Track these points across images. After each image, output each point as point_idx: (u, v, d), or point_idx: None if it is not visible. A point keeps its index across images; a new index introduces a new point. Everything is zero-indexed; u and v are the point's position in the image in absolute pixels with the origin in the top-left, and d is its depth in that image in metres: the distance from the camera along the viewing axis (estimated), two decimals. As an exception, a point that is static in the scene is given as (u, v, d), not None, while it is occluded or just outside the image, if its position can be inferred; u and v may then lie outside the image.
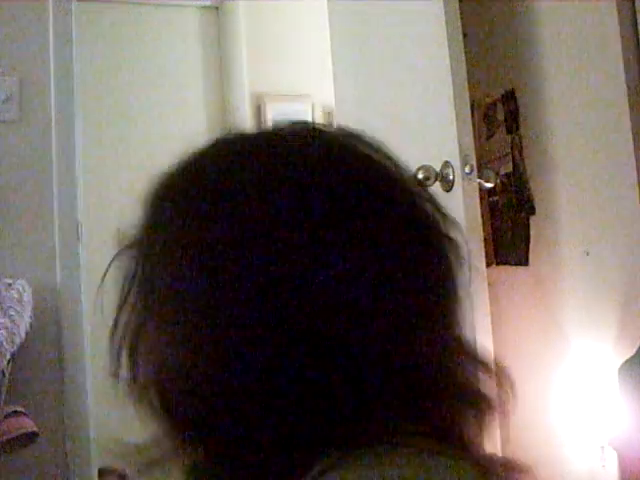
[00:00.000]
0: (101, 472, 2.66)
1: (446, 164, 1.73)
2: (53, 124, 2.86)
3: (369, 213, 0.53)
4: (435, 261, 0.58)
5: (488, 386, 0.58)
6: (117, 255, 0.59)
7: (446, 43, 1.72)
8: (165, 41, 3.27)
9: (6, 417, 2.15)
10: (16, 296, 2.33)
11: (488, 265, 1.80)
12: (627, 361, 1.34)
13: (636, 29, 1.51)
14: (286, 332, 0.49)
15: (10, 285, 2.42)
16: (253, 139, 0.59)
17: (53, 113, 2.86)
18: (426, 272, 0.56)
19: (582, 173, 1.67)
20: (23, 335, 2.22)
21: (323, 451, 0.48)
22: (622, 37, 1.50)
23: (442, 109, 1.75)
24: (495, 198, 2.04)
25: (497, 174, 1.98)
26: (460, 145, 1.70)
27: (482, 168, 1.92)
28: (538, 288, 1.86)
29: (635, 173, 1.48)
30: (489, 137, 2.07)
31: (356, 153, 0.59)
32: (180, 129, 3.24)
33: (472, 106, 1.83)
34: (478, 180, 1.74)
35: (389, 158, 0.62)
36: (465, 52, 1.74)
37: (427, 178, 1.77)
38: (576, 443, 1.70)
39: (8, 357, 2.16)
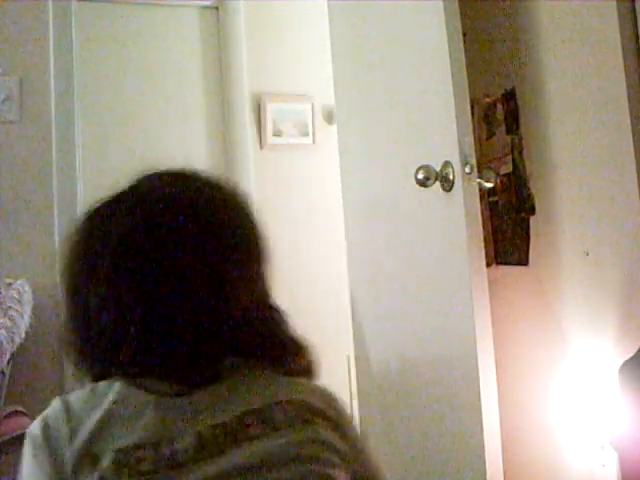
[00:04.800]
0: None
1: (446, 164, 1.73)
2: (53, 124, 2.85)
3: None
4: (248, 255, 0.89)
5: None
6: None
7: (446, 43, 1.71)
8: (165, 41, 3.27)
9: (6, 417, 2.15)
10: (16, 296, 2.33)
11: (488, 265, 1.80)
12: (627, 361, 1.34)
13: (636, 29, 1.51)
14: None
15: (10, 285, 2.42)
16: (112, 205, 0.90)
17: (53, 113, 2.86)
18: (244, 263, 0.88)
19: (582, 173, 1.67)
20: (23, 335, 2.22)
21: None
22: (622, 37, 1.50)
23: (442, 109, 1.75)
24: (495, 198, 2.04)
25: (497, 174, 1.98)
26: (460, 145, 1.70)
27: (482, 168, 1.92)
28: (538, 288, 1.86)
29: (635, 173, 1.48)
30: (489, 137, 2.07)
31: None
32: (180, 129, 3.24)
33: (472, 106, 1.83)
34: (478, 180, 1.74)
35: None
36: (465, 52, 1.74)
37: (427, 178, 1.77)
38: (576, 443, 1.70)
39: (8, 357, 2.15)
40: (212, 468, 0.75)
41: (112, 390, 0.80)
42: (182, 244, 0.83)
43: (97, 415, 0.77)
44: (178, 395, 0.81)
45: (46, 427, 0.78)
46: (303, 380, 0.91)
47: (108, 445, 0.75)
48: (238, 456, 0.77)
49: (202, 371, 0.82)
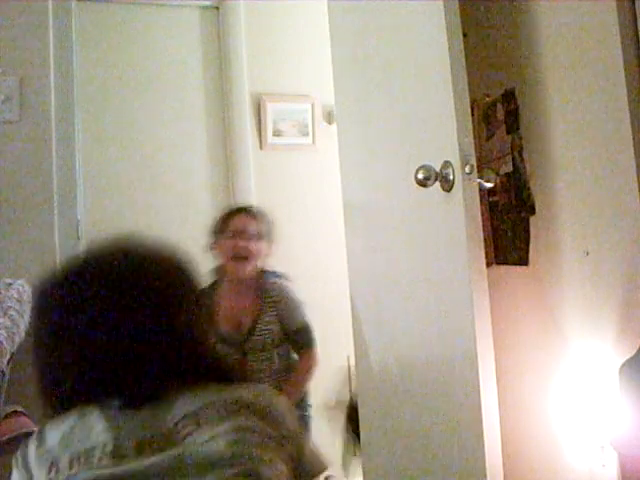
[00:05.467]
0: None
1: (446, 164, 1.73)
2: (53, 124, 2.86)
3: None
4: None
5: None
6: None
7: (446, 43, 1.71)
8: (165, 41, 3.27)
9: (6, 417, 2.15)
10: (16, 296, 2.33)
11: (488, 265, 1.80)
12: (627, 361, 1.34)
13: (636, 29, 1.51)
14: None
15: (10, 285, 2.42)
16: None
17: (53, 113, 2.86)
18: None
19: (582, 173, 1.67)
20: (23, 335, 2.22)
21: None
22: (622, 37, 1.50)
23: (442, 109, 1.75)
24: (495, 198, 2.04)
25: (497, 174, 1.98)
26: (460, 145, 1.70)
27: (482, 168, 1.92)
28: (538, 288, 1.86)
29: (635, 173, 1.48)
30: (489, 137, 2.07)
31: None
32: (180, 129, 3.24)
33: (472, 106, 1.83)
34: (478, 180, 1.74)
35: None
36: (465, 52, 1.74)
37: (427, 178, 1.77)
38: (576, 443, 1.70)
39: (8, 357, 2.15)
40: (152, 460, 0.91)
41: (74, 413, 0.99)
42: (113, 307, 1.00)
43: (60, 431, 0.97)
44: (128, 409, 0.98)
45: (23, 447, 1.00)
46: (237, 384, 1.05)
47: (65, 452, 0.94)
48: (174, 451, 0.92)
49: (146, 391, 0.99)
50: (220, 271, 2.55)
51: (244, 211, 2.55)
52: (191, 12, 3.34)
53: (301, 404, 2.51)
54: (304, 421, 2.49)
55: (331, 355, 3.06)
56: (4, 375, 2.22)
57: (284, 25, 3.39)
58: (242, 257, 2.45)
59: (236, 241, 2.46)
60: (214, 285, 2.54)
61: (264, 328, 2.43)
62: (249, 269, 2.47)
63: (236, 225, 2.49)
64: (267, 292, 2.46)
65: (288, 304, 2.45)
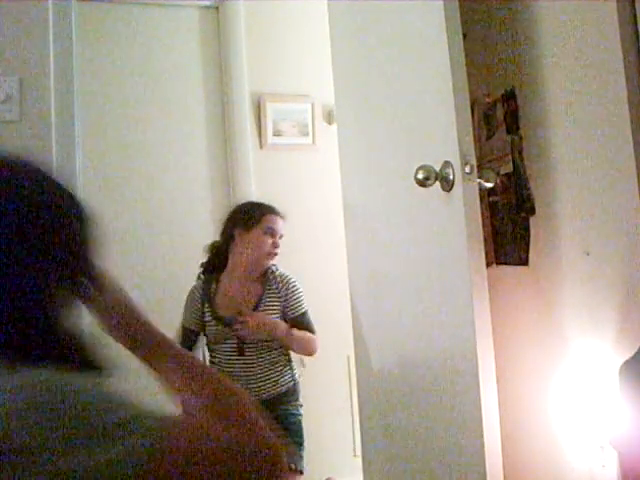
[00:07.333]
0: None
1: (446, 164, 1.73)
2: (53, 124, 2.86)
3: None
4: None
5: None
6: None
7: (446, 43, 1.72)
8: (165, 41, 3.27)
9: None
10: (16, 296, 2.33)
11: (488, 265, 1.80)
12: (627, 361, 1.34)
13: (636, 29, 1.51)
14: None
15: (10, 285, 2.42)
16: None
17: (53, 113, 2.86)
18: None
19: (582, 173, 1.67)
20: (23, 335, 2.22)
21: None
22: (622, 37, 1.50)
23: (442, 109, 1.75)
24: (495, 198, 2.04)
25: (497, 174, 1.98)
26: (460, 145, 1.70)
27: (482, 168, 1.92)
28: (538, 288, 1.86)
29: (635, 173, 1.48)
30: (489, 137, 2.07)
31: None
32: (180, 129, 3.24)
33: (472, 106, 1.83)
34: (478, 180, 1.74)
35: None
36: (465, 52, 1.74)
37: (427, 178, 1.77)
38: (576, 443, 1.70)
39: (8, 357, 2.15)
40: None
41: None
42: None
43: None
44: None
45: None
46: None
47: None
48: None
49: None
50: (224, 257, 2.59)
51: (276, 210, 2.62)
52: (191, 12, 3.34)
53: (293, 403, 2.52)
54: (295, 421, 2.50)
55: (331, 355, 3.06)
56: (4, 375, 2.22)
57: (284, 25, 3.39)
58: (273, 254, 2.54)
59: (272, 239, 2.55)
60: (218, 271, 2.61)
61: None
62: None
63: (272, 223, 2.56)
64: (269, 281, 2.52)
65: (290, 293, 2.52)
